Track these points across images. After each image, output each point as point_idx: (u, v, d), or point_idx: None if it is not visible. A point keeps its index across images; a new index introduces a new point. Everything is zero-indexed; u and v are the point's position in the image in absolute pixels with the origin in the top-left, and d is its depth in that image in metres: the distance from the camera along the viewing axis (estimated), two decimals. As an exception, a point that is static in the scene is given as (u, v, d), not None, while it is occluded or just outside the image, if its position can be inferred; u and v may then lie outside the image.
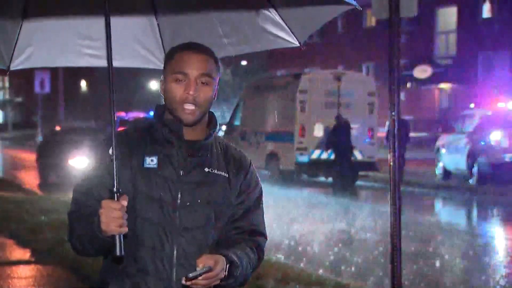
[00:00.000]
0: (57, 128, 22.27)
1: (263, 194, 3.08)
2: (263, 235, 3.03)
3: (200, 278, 2.70)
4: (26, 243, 10.64)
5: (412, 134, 29.69)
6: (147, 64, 3.64)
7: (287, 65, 41.53)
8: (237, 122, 25.81)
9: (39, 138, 49.13)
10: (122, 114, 29.30)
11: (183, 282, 2.71)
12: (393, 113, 6.08)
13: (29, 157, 33.99)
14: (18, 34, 3.43)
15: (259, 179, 3.08)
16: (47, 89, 45.73)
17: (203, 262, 2.72)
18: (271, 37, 3.37)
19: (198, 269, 2.71)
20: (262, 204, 3.07)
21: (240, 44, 3.48)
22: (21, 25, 3.41)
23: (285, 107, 22.67)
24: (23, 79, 61.96)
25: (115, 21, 3.27)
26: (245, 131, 24.68)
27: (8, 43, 3.45)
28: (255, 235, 3.00)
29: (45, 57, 3.58)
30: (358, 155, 21.84)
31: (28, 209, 13.41)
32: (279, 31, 3.35)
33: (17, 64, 3.52)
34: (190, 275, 2.69)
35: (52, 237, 10.49)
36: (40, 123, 49.48)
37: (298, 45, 3.38)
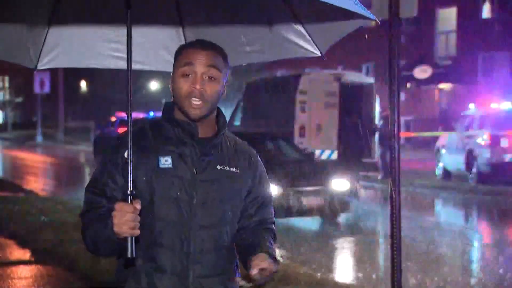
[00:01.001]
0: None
1: None
2: (274, 222, 3.11)
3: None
4: (26, 243, 10.63)
5: (412, 134, 29.52)
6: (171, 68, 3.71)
7: (287, 65, 41.51)
8: (237, 122, 25.79)
9: (39, 138, 49.14)
10: (123, 114, 29.29)
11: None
12: (393, 113, 6.08)
13: (29, 157, 34.04)
14: (46, 35, 3.47)
15: None
16: (47, 89, 45.72)
17: (258, 266, 2.84)
18: (294, 46, 3.39)
19: (254, 272, 2.84)
20: None
21: (262, 52, 3.51)
22: (50, 26, 3.44)
23: (285, 107, 22.64)
24: (23, 79, 61.95)
25: (143, 28, 3.35)
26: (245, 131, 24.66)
27: (36, 43, 3.48)
28: (270, 224, 3.08)
29: (71, 58, 3.62)
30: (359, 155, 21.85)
31: (28, 209, 13.39)
32: (302, 41, 3.36)
33: (44, 64, 3.56)
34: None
35: (52, 237, 10.48)
36: (40, 123, 49.47)
37: (320, 54, 3.39)
